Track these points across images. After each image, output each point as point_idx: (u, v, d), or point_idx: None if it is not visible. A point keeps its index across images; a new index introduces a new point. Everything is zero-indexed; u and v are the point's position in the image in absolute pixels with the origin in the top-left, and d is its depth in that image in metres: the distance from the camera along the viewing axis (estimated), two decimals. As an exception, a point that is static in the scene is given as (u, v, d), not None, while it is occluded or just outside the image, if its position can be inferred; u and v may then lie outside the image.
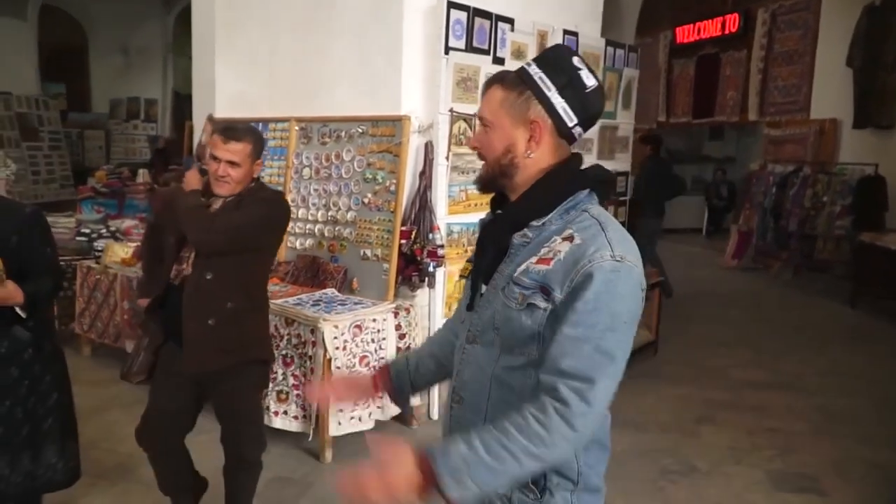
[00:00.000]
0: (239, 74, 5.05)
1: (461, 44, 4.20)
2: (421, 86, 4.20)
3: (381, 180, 4.16)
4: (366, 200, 4.22)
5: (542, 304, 1.33)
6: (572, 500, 1.42)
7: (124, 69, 14.70)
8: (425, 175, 4.14)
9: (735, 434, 4.24)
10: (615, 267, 1.29)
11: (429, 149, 4.14)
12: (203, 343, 2.55)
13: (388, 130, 4.15)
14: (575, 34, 5.00)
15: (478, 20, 4.27)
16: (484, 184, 1.51)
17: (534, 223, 1.40)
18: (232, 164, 2.49)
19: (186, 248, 2.61)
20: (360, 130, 4.27)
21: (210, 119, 5.25)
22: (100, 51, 14.81)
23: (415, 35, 4.15)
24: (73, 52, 14.89)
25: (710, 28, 11.50)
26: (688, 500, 3.48)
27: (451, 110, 4.17)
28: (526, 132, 1.41)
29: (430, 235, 4.10)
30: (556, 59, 1.42)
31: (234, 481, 2.86)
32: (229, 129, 2.54)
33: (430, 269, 4.11)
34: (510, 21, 4.48)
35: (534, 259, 1.37)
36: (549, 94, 1.39)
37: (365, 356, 3.81)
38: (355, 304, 3.95)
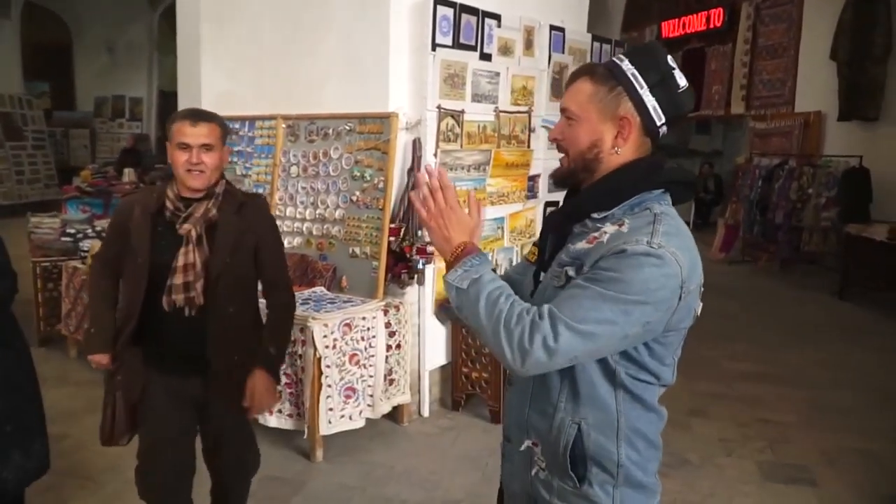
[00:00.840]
0: (225, 72, 5.02)
1: (448, 40, 4.19)
2: (408, 82, 4.18)
3: (369, 178, 4.15)
4: (354, 198, 4.21)
5: (572, 275, 1.35)
6: (614, 494, 1.42)
7: (110, 67, 14.60)
8: (414, 172, 4.13)
9: (726, 426, 4.27)
10: (647, 251, 1.28)
11: (417, 146, 4.12)
12: (230, 376, 2.37)
13: (376, 127, 4.14)
14: (561, 29, 5.00)
15: (464, 16, 4.25)
16: (563, 177, 1.50)
17: (594, 215, 1.40)
18: (206, 147, 2.25)
19: (182, 275, 2.24)
20: (347, 128, 4.25)
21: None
22: (85, 49, 14.71)
23: (402, 32, 4.13)
24: (58, 51, 14.78)
25: (696, 22, 11.55)
26: (680, 492, 3.49)
27: (438, 107, 4.16)
28: (614, 128, 1.41)
29: (420, 232, 4.09)
30: (651, 57, 1.41)
31: (232, 486, 2.67)
32: (195, 112, 2.34)
33: (420, 266, 4.10)
34: (497, 17, 4.47)
35: (583, 242, 1.38)
36: (640, 91, 1.38)
37: (355, 354, 3.80)
38: (344, 302, 3.94)
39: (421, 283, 4.20)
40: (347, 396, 3.78)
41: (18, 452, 2.50)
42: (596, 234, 1.36)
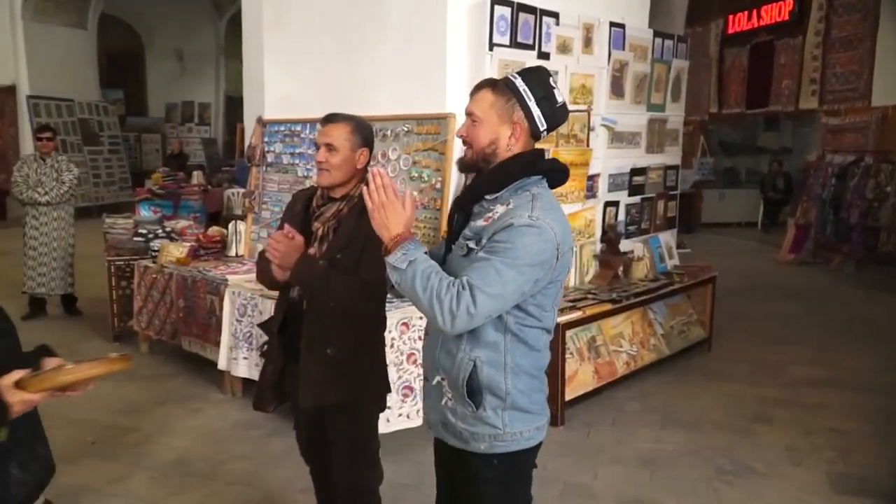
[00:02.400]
0: (287, 75, 5.13)
1: (505, 40, 4.18)
2: (465, 83, 4.18)
3: (426, 178, 4.17)
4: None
5: (474, 248, 1.72)
6: (503, 415, 1.81)
7: (179, 74, 15.12)
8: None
9: (793, 434, 4.11)
10: (528, 223, 1.66)
11: (474, 146, 4.12)
12: (322, 374, 2.38)
13: (434, 128, 4.16)
14: (622, 26, 4.92)
15: (522, 15, 4.23)
16: (467, 166, 1.87)
17: (487, 197, 1.78)
18: (329, 147, 2.35)
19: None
20: (405, 129, 4.28)
21: (259, 121, 5.34)
22: (156, 57, 15.26)
23: (459, 32, 4.14)
24: (131, 59, 15.38)
25: (764, 15, 11.18)
26: (744, 502, 3.39)
27: (496, 107, 4.15)
28: (508, 130, 1.79)
29: (477, 233, 4.09)
30: (538, 77, 1.80)
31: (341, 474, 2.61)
32: (329, 115, 2.46)
33: (477, 266, 4.10)
34: (555, 15, 4.43)
35: (480, 220, 1.76)
36: (530, 103, 1.77)
37: (412, 353, 3.82)
38: (402, 301, 3.97)
39: (478, 283, 4.20)
40: (405, 395, 3.81)
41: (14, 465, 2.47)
42: (490, 214, 1.74)
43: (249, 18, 5.79)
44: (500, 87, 1.80)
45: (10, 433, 1.69)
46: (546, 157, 1.87)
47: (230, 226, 5.43)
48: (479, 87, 1.83)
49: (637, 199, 5.42)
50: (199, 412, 4.36)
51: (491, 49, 4.09)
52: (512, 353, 1.78)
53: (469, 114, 1.82)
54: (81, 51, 12.29)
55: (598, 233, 5.08)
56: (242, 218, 5.52)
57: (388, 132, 4.38)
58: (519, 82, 1.78)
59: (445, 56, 4.12)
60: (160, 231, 5.96)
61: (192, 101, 14.98)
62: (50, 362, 1.68)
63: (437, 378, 1.87)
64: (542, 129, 1.81)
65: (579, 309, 4.33)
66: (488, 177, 1.79)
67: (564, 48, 4.55)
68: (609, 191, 5.13)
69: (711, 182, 13.19)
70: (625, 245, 5.19)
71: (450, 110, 4.11)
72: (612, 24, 4.83)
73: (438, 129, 4.13)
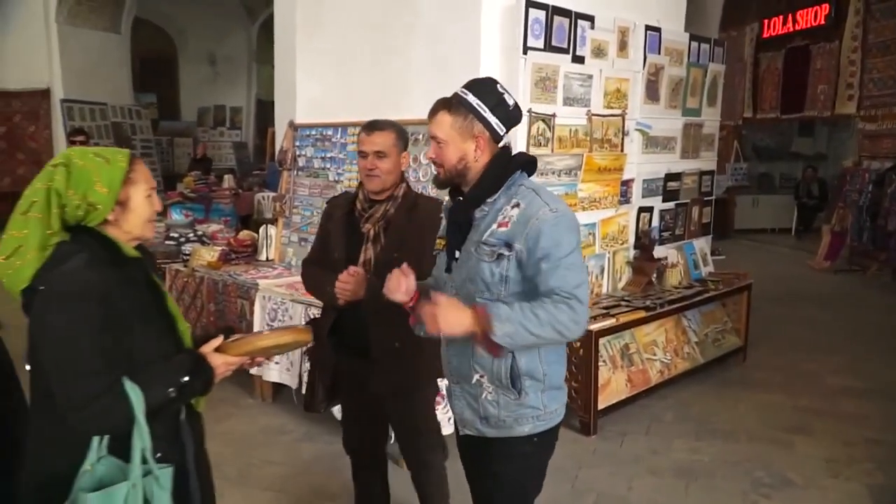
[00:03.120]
0: (318, 80, 5.14)
1: (540, 43, 4.13)
2: (499, 87, 4.15)
3: (459, 183, 4.13)
4: (445, 203, 4.19)
5: (507, 253, 1.87)
6: (542, 396, 1.98)
7: (211, 78, 15.25)
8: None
9: (831, 445, 4.01)
10: (554, 216, 1.85)
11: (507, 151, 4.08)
12: (391, 364, 2.53)
13: (466, 132, 4.12)
14: (657, 30, 4.85)
15: (557, 18, 4.19)
16: (443, 184, 2.02)
17: (488, 200, 1.94)
18: (379, 154, 2.48)
19: (362, 269, 2.48)
20: (437, 133, 4.25)
21: (291, 125, 5.36)
22: (188, 61, 15.41)
23: (492, 35, 4.11)
24: (164, 63, 15.55)
25: (800, 19, 10.98)
26: (782, 515, 3.31)
27: (529, 111, 4.11)
28: (472, 144, 1.93)
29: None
30: (487, 88, 1.95)
31: (424, 485, 2.84)
32: (371, 123, 2.57)
33: (509, 272, 4.06)
34: (590, 18, 4.38)
35: (495, 225, 1.91)
36: (485, 114, 1.91)
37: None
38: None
39: (510, 289, 4.16)
40: (437, 403, 3.77)
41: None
42: (503, 219, 1.90)
43: (282, 23, 5.81)
44: (454, 106, 1.93)
45: None
46: (513, 152, 2.04)
47: (261, 230, 5.45)
48: (435, 111, 1.96)
49: (671, 204, 5.33)
50: (230, 417, 4.37)
51: (525, 52, 4.05)
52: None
53: (433, 137, 1.96)
54: (115, 55, 12.43)
55: (632, 239, 5.01)
56: (273, 222, 5.53)
57: (420, 136, 4.35)
58: (471, 97, 1.92)
59: (479, 59, 4.09)
60: (192, 234, 6.00)
61: (224, 105, 15.10)
62: (235, 337, 1.83)
63: (476, 377, 1.99)
64: (501, 133, 1.96)
65: (613, 316, 4.27)
66: (482, 183, 1.94)
67: (599, 52, 4.49)
68: (643, 196, 5.05)
69: (745, 188, 12.98)
70: (659, 251, 5.10)
71: (483, 114, 4.07)
72: (648, 28, 4.76)
73: (471, 133, 4.09)
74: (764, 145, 14.30)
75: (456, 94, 1.95)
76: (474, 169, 1.95)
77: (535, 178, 4.15)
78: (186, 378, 1.66)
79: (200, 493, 1.84)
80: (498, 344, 1.80)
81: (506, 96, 1.95)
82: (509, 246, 1.87)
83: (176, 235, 6.00)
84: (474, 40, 4.10)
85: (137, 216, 1.73)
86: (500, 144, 2.00)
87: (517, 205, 1.89)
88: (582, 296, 1.83)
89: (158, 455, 1.64)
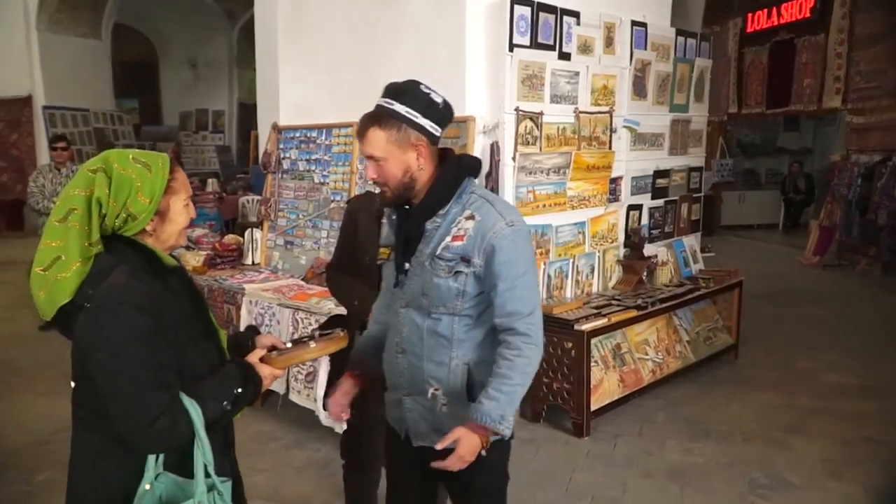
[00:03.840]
0: (302, 82, 5.05)
1: (526, 40, 4.07)
2: (485, 85, 4.09)
3: (446, 183, 4.06)
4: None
5: (465, 269, 1.83)
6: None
7: (193, 82, 15.13)
8: (491, 177, 4.03)
9: (829, 445, 3.96)
10: (511, 231, 1.81)
11: (495, 149, 4.02)
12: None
13: (453, 132, 4.05)
14: (644, 25, 4.79)
15: (542, 15, 4.13)
16: (394, 202, 1.91)
17: (440, 212, 1.86)
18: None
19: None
20: (423, 133, 4.18)
21: (274, 127, 5.26)
22: (170, 65, 15.28)
23: (478, 33, 4.05)
24: (145, 68, 15.42)
25: (784, 13, 10.98)
26: (780, 515, 3.25)
27: (517, 109, 4.05)
28: (413, 153, 1.83)
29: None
30: (412, 93, 1.82)
31: None
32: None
33: (499, 273, 3.99)
34: (576, 14, 4.32)
35: (448, 238, 1.85)
36: (417, 120, 1.80)
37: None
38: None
39: (500, 290, 4.09)
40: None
41: None
42: (458, 232, 1.84)
43: (262, 26, 5.72)
44: (383, 119, 1.81)
45: None
46: (454, 154, 1.96)
47: (246, 234, 5.35)
48: (364, 129, 1.84)
49: (660, 202, 5.28)
50: (217, 425, 4.27)
51: (511, 50, 3.99)
52: (494, 347, 1.89)
53: (369, 157, 1.85)
54: (96, 61, 12.30)
55: (622, 237, 4.96)
56: (258, 225, 5.44)
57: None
58: (397, 107, 1.80)
59: (464, 58, 4.03)
60: (176, 240, 5.89)
61: (207, 109, 14.97)
62: (264, 339, 1.82)
63: (431, 390, 1.94)
64: (437, 134, 1.87)
65: (604, 316, 4.20)
66: (433, 194, 1.87)
67: (586, 48, 4.43)
68: (632, 194, 5.00)
69: (731, 183, 12.99)
70: (648, 249, 5.05)
71: (469, 113, 4.01)
72: (634, 23, 4.71)
73: (458, 132, 4.03)
74: (749, 141, 14.33)
75: (380, 107, 1.82)
76: (421, 179, 1.86)
77: (525, 177, 4.14)
78: (239, 390, 1.62)
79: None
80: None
81: (433, 95, 1.85)
82: (467, 261, 1.83)
83: (159, 242, 5.88)
84: (459, 39, 4.04)
85: (175, 226, 1.66)
86: (439, 146, 1.93)
87: (472, 217, 1.84)
88: (538, 318, 1.86)
89: (214, 469, 1.59)
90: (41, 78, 11.19)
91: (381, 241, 2.11)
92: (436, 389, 1.93)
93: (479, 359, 1.91)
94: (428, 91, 1.84)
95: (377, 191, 2.32)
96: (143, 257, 1.59)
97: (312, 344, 1.78)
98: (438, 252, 1.85)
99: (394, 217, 1.98)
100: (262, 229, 5.35)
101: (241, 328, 4.41)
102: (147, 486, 1.53)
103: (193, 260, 5.10)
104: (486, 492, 2.03)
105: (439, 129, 1.86)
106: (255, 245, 5.28)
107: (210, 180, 9.90)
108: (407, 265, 1.93)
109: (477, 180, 1.95)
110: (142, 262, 1.58)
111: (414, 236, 1.91)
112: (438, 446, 1.84)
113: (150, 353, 1.49)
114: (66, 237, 1.53)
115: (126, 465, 1.54)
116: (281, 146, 5.23)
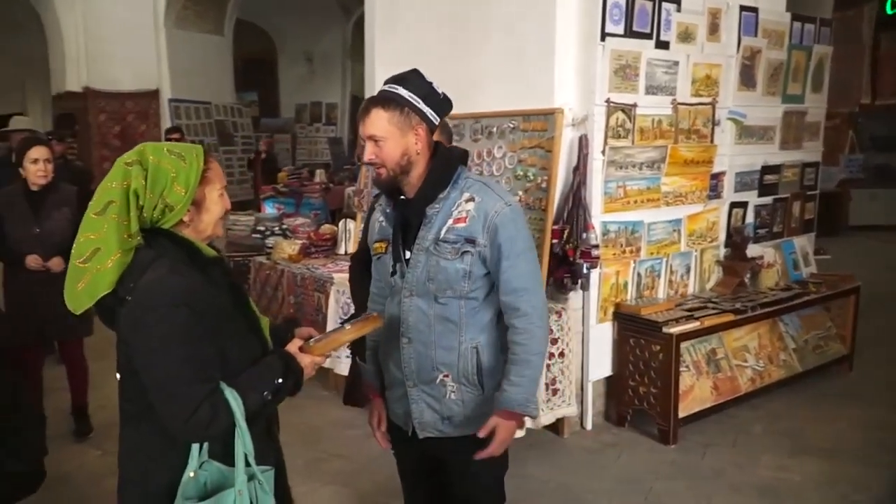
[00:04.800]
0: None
1: (619, 28, 3.90)
2: (575, 76, 3.96)
3: (532, 177, 3.98)
4: (517, 198, 4.05)
5: (471, 249, 1.90)
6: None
7: (308, 76, 15.63)
8: (579, 171, 3.90)
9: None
10: (511, 210, 1.92)
11: (583, 143, 3.89)
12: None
13: (540, 125, 3.95)
14: (754, 10, 4.50)
15: (638, 2, 3.93)
16: (388, 184, 1.95)
17: (440, 196, 1.94)
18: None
19: None
20: (511, 126, 4.11)
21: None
22: (287, 60, 15.87)
23: (568, 22, 3.92)
24: (265, 63, 16.08)
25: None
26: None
27: (607, 101, 3.90)
28: (412, 137, 1.90)
29: (584, 235, 3.86)
30: (416, 81, 1.91)
31: None
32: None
33: (584, 270, 3.87)
34: (676, 0, 4.10)
35: (450, 221, 1.92)
36: (419, 105, 1.88)
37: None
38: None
39: (585, 288, 3.96)
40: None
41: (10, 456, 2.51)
42: (460, 214, 1.91)
43: (370, 20, 5.81)
44: (387, 102, 1.88)
45: None
46: (444, 145, 2.05)
47: (340, 224, 5.47)
48: (367, 110, 1.90)
49: (769, 199, 4.95)
50: (302, 408, 4.39)
51: (603, 39, 3.83)
52: (500, 329, 1.99)
53: (370, 137, 1.90)
54: (218, 56, 12.94)
55: (723, 236, 4.69)
56: (353, 216, 5.54)
57: (494, 129, 4.21)
58: (401, 90, 1.88)
59: (554, 48, 3.91)
60: (277, 228, 6.11)
61: (321, 102, 15.43)
62: (303, 331, 1.81)
63: (440, 376, 1.98)
64: (436, 122, 1.94)
65: (696, 319, 3.99)
66: (431, 180, 1.93)
67: (686, 36, 4.20)
68: (736, 190, 4.71)
69: (861, 180, 12.02)
70: (753, 250, 4.74)
71: (558, 105, 3.89)
72: (743, 8, 4.42)
73: (545, 125, 3.93)
74: (884, 135, 13.21)
75: (384, 91, 1.91)
76: (417, 164, 1.93)
77: (615, 172, 3.99)
78: (280, 380, 1.63)
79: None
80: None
81: (434, 86, 1.93)
82: (471, 242, 1.90)
83: (262, 229, 6.12)
84: (549, 29, 3.92)
85: (211, 215, 1.69)
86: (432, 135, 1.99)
87: (472, 199, 1.92)
88: (541, 295, 1.97)
89: (256, 457, 1.62)
90: (168, 72, 11.89)
91: (374, 236, 2.10)
92: (445, 376, 1.98)
93: (486, 341, 1.98)
94: (430, 81, 1.94)
95: (372, 174, 2.37)
96: (183, 250, 1.62)
97: (347, 326, 1.80)
98: (442, 235, 1.92)
99: (388, 210, 2.03)
100: (355, 220, 5.45)
101: (329, 317, 4.52)
102: (191, 474, 1.57)
103: (289, 248, 5.26)
104: (488, 478, 2.09)
105: (437, 118, 1.94)
106: (347, 235, 5.39)
107: (318, 171, 10.21)
108: (408, 254, 1.97)
109: (467, 170, 2.02)
110: (181, 254, 1.61)
111: (414, 223, 1.96)
112: (481, 434, 1.92)
113: (189, 346, 1.52)
114: (105, 229, 1.56)
115: (171, 456, 1.58)
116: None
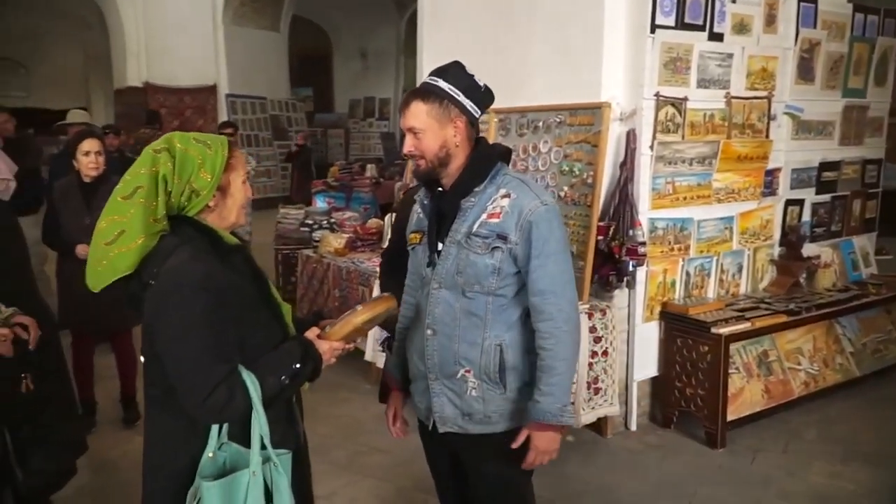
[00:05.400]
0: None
1: (670, 20, 3.80)
2: (623, 70, 3.88)
3: (577, 172, 3.91)
4: (562, 194, 3.99)
5: (502, 245, 1.88)
6: (524, 392, 1.96)
7: (362, 72, 15.80)
8: (626, 166, 3.82)
9: None
10: (546, 210, 1.89)
11: (631, 138, 3.81)
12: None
13: (587, 119, 3.89)
14: (813, 0, 4.33)
15: (691, -7, 3.83)
16: (426, 175, 1.95)
17: (476, 190, 1.93)
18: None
19: None
20: (557, 120, 4.05)
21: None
22: (342, 56, 16.07)
23: (617, 14, 3.83)
24: (320, 59, 16.31)
25: None
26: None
27: (657, 94, 3.81)
28: (452, 129, 1.90)
29: (631, 232, 3.78)
30: (457, 74, 1.93)
31: None
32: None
33: (630, 268, 3.79)
34: (731, -9, 3.98)
35: (484, 216, 1.91)
36: (459, 98, 1.89)
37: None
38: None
39: (631, 286, 3.89)
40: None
41: (40, 454, 2.72)
42: (494, 210, 1.90)
43: (421, 15, 5.82)
44: (426, 94, 1.90)
45: None
46: (486, 140, 2.05)
47: (386, 218, 5.48)
48: (407, 102, 1.91)
49: (827, 197, 4.77)
50: (346, 401, 4.44)
51: (653, 31, 3.74)
52: (527, 329, 1.95)
53: (409, 129, 1.91)
54: (275, 51, 13.19)
55: (777, 235, 4.53)
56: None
57: (540, 123, 4.16)
58: (441, 83, 1.90)
59: (602, 41, 3.83)
60: (325, 222, 6.18)
61: (374, 97, 15.59)
62: (325, 322, 1.83)
63: (462, 371, 1.95)
64: (476, 115, 1.94)
65: (747, 320, 3.87)
66: (469, 173, 1.93)
67: (742, 28, 4.07)
68: (792, 188, 4.55)
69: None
70: (809, 249, 4.58)
71: (605, 99, 3.82)
72: (802, -1, 4.27)
73: (592, 119, 3.86)
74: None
75: (425, 83, 1.92)
76: (456, 156, 1.93)
77: (663, 167, 3.89)
78: (298, 365, 1.67)
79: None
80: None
81: (475, 79, 1.94)
82: (503, 238, 1.88)
83: (310, 222, 6.20)
84: (597, 21, 3.84)
85: (235, 202, 1.74)
86: (476, 129, 1.99)
87: (507, 195, 1.90)
88: (570, 298, 1.92)
89: (275, 440, 1.66)
90: (225, 68, 12.16)
91: (411, 227, 2.11)
92: (466, 371, 1.95)
93: (511, 340, 1.95)
94: (471, 73, 1.94)
95: (412, 166, 2.27)
96: (206, 238, 1.66)
97: (359, 307, 1.82)
98: (475, 229, 1.90)
99: (426, 201, 2.03)
100: (401, 214, 5.46)
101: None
102: (210, 454, 1.61)
103: (335, 242, 5.31)
104: (508, 480, 2.04)
105: (479, 111, 1.94)
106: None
107: (369, 165, 10.27)
108: (440, 245, 1.97)
109: (508, 168, 2.00)
110: (204, 242, 1.65)
111: (448, 214, 1.95)
112: (514, 445, 1.92)
113: (209, 330, 1.55)
114: (131, 213, 1.61)
115: (193, 438, 1.62)
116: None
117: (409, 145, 1.92)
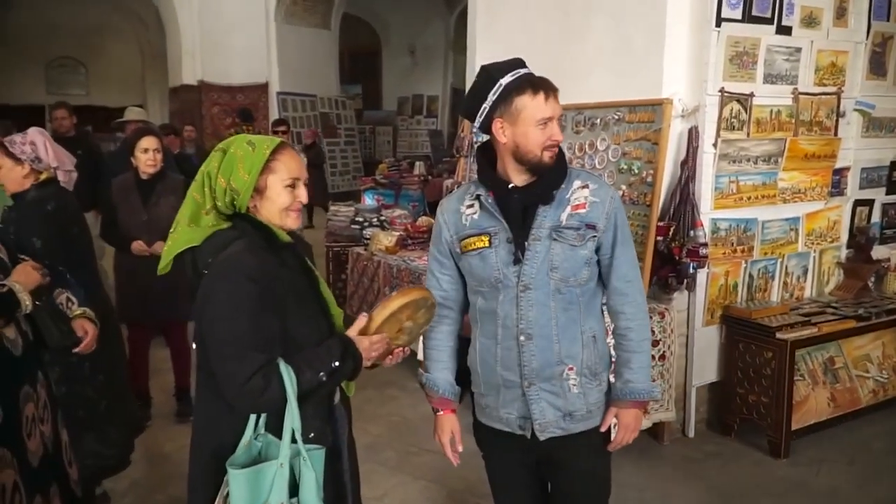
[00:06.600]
0: (497, 65, 5.01)
1: (737, 13, 3.67)
2: (686, 65, 3.76)
3: (636, 171, 3.81)
4: (620, 193, 3.88)
5: (593, 234, 1.87)
6: (608, 377, 2.03)
7: (411, 69, 15.81)
8: (688, 165, 3.70)
9: None
10: (619, 198, 1.96)
11: (693, 135, 3.69)
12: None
13: (647, 116, 3.78)
14: (889, -8, 4.14)
15: (759, -15, 3.69)
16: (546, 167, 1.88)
17: (562, 186, 1.90)
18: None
19: None
20: (616, 117, 3.95)
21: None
22: (391, 53, 16.10)
23: (681, 7, 3.71)
24: (369, 56, 16.37)
25: None
26: None
27: (721, 90, 3.68)
28: None
29: (692, 232, 3.66)
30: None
31: None
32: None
33: (690, 270, 3.67)
34: (801, -18, 3.82)
35: (569, 208, 1.88)
36: None
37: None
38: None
39: (691, 288, 3.77)
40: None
41: (92, 436, 2.86)
42: (577, 201, 1.88)
43: (472, 11, 5.77)
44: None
45: None
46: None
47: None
48: (554, 89, 1.84)
49: (899, 197, 4.57)
50: (395, 400, 4.41)
51: (718, 25, 3.62)
52: (604, 316, 1.99)
53: (559, 118, 1.86)
54: (325, 49, 13.25)
55: (845, 236, 4.35)
56: (450, 209, 5.50)
57: (598, 120, 4.06)
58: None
59: (664, 35, 3.72)
60: (375, 219, 6.16)
61: (422, 95, 15.56)
62: (362, 319, 1.79)
63: (565, 370, 1.91)
64: None
65: (814, 325, 3.72)
66: (560, 164, 1.89)
67: (811, 21, 3.91)
68: (861, 187, 4.37)
69: None
70: (879, 252, 4.39)
71: (666, 95, 3.71)
72: (878, -11, 4.08)
73: (653, 116, 3.74)
74: None
75: (528, 75, 1.87)
76: None
77: (727, 166, 3.77)
78: (337, 363, 1.68)
79: (350, 476, 1.89)
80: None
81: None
82: (593, 227, 1.87)
83: (361, 220, 6.19)
84: (660, 14, 3.73)
85: (273, 204, 1.72)
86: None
87: (585, 185, 1.90)
88: (640, 281, 1.99)
89: (311, 436, 1.67)
90: (277, 66, 12.27)
91: (464, 230, 1.93)
92: (569, 368, 1.91)
93: (600, 329, 1.97)
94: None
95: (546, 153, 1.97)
96: (262, 234, 1.71)
97: (394, 293, 1.80)
98: (564, 222, 1.87)
99: (489, 200, 1.89)
100: (452, 212, 5.40)
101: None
102: (244, 443, 1.63)
103: (386, 240, 5.29)
104: (596, 471, 2.05)
105: None
106: (444, 227, 5.35)
107: (417, 163, 10.27)
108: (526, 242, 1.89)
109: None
110: (260, 237, 1.70)
111: (530, 212, 1.88)
112: (602, 428, 1.97)
113: (253, 319, 1.59)
114: (186, 204, 1.73)
115: (235, 423, 1.65)
116: (474, 131, 5.24)
117: (559, 134, 1.84)
